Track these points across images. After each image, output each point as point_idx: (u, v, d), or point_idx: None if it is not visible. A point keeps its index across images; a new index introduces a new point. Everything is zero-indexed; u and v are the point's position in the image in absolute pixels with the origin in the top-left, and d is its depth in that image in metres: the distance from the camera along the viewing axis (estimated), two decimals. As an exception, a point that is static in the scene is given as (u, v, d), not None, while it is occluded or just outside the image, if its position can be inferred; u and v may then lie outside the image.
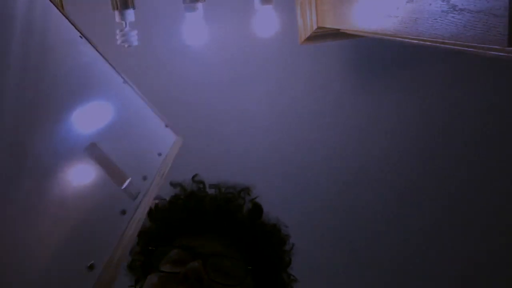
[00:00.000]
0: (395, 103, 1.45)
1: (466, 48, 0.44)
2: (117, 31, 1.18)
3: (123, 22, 1.16)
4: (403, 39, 0.62)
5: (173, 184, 0.75)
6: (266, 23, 1.26)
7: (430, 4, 0.48)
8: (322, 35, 1.09)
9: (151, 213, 0.71)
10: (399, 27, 0.59)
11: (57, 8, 0.55)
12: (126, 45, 1.19)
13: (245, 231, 0.69)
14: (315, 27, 1.06)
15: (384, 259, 1.55)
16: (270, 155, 1.47)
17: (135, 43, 1.19)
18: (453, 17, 0.43)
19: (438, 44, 0.51)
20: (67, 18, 0.59)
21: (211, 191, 0.75)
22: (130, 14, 1.15)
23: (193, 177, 0.76)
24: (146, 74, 1.42)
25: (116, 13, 1.15)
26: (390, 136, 1.47)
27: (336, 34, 1.06)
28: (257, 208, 0.74)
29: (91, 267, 0.40)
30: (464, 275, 1.55)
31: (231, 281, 0.61)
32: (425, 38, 0.52)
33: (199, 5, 1.16)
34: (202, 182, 0.76)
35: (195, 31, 1.23)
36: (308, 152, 1.48)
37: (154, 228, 0.71)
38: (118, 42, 1.18)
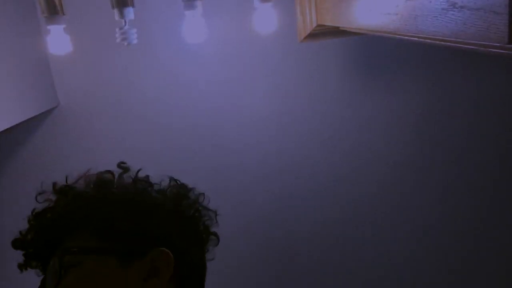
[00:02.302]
0: (395, 101, 1.45)
1: (467, 46, 0.44)
2: (117, 29, 1.18)
3: (123, 20, 1.16)
4: (403, 37, 0.62)
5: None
6: (265, 21, 1.26)
7: (430, 2, 0.48)
8: (321, 33, 1.09)
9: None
10: (399, 24, 0.58)
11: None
12: (125, 43, 1.19)
13: (61, 216, 0.65)
14: (314, 24, 1.06)
15: (382, 256, 1.55)
16: (269, 152, 1.47)
17: (135, 41, 1.19)
18: (453, 14, 0.43)
19: (438, 42, 0.51)
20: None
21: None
22: (130, 12, 1.15)
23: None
24: (145, 72, 1.42)
25: (116, 11, 1.14)
26: (390, 133, 1.47)
27: (336, 32, 1.05)
28: (59, 191, 0.68)
29: None
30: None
31: (54, 280, 0.59)
32: (425, 36, 0.51)
33: (198, 3, 1.16)
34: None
35: (194, 29, 1.22)
36: (307, 150, 1.48)
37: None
38: (118, 40, 1.18)
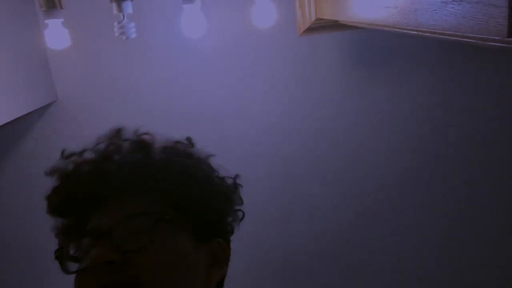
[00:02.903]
0: (395, 94, 1.45)
1: (466, 39, 0.44)
2: (115, 23, 1.17)
3: (121, 14, 1.15)
4: (402, 31, 0.62)
5: (47, 174, 0.64)
6: (264, 14, 1.25)
7: (430, -5, 0.48)
8: (321, 26, 1.08)
9: (46, 207, 0.62)
10: (398, 18, 0.58)
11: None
12: (124, 38, 1.18)
13: (136, 171, 0.59)
14: (313, 18, 1.05)
15: (379, 255, 1.55)
16: (268, 146, 1.47)
17: (133, 35, 1.19)
18: (452, 7, 0.43)
19: (437, 36, 0.51)
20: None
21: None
22: (128, 6, 1.14)
23: (62, 153, 0.64)
24: (144, 66, 1.41)
25: (114, 5, 1.14)
26: (390, 126, 1.47)
27: (335, 26, 1.05)
28: (138, 143, 0.64)
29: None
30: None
31: (143, 240, 0.53)
32: (424, 29, 0.51)
33: (197, -4, 1.16)
34: (74, 154, 0.64)
35: (192, 22, 1.22)
36: (306, 144, 1.47)
37: (59, 222, 0.62)
38: (116, 34, 1.18)
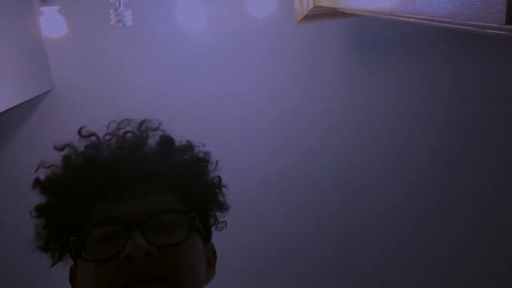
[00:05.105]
0: (393, 82, 1.44)
1: (464, 27, 0.44)
2: (111, 11, 1.16)
3: (117, 2, 1.14)
4: (401, 18, 0.61)
5: (58, 148, 0.61)
6: (262, 2, 1.24)
7: (428, -18, 0.47)
8: (319, 14, 1.07)
9: (43, 186, 0.59)
10: (396, 5, 0.58)
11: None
12: (120, 26, 1.17)
13: (163, 167, 0.58)
14: (311, 6, 1.04)
15: (379, 254, 1.56)
16: (267, 133, 1.47)
17: (129, 23, 1.18)
18: (451, -6, 0.42)
19: (436, 23, 0.50)
20: None
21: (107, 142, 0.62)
22: (124, -7, 1.13)
23: (79, 131, 0.62)
24: (140, 54, 1.40)
25: (110, -8, 1.13)
26: (389, 114, 1.47)
27: (333, 13, 1.04)
28: (165, 138, 0.62)
29: None
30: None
31: (180, 236, 0.53)
32: (422, 17, 0.51)
33: (194, -17, 1.14)
34: (93, 134, 0.62)
35: (190, 10, 1.21)
36: (305, 136, 1.47)
37: (54, 205, 0.58)
38: (112, 22, 1.17)
